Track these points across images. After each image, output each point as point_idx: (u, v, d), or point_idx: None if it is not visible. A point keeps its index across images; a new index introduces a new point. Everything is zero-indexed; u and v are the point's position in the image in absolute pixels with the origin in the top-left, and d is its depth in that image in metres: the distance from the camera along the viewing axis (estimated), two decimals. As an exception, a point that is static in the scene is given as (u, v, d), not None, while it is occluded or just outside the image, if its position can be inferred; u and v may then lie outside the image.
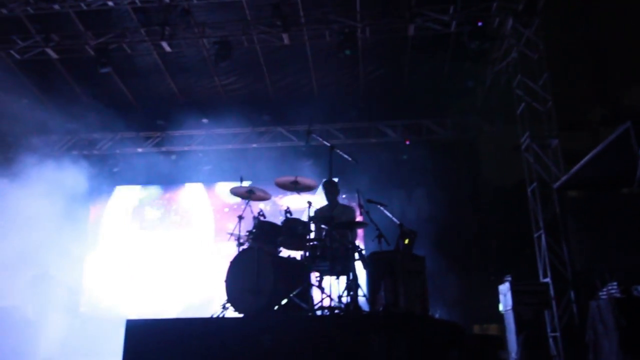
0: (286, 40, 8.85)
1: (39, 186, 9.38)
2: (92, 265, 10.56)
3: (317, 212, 5.85)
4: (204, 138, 11.12)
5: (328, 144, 5.30)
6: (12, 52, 9.37)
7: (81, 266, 9.27)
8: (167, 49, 9.17)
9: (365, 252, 5.56)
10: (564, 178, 6.73)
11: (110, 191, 10.61)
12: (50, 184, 9.59)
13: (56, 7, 8.49)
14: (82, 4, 8.44)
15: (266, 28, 8.82)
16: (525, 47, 8.34)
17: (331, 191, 6.01)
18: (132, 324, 4.78)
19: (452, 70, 9.83)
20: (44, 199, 9.50)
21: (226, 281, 5.31)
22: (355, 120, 10.59)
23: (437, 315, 6.74)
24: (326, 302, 5.21)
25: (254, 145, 10.90)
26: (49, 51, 9.31)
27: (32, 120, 9.85)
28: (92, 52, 9.19)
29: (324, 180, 6.01)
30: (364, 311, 5.15)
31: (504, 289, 7.30)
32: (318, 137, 5.63)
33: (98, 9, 8.62)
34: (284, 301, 4.94)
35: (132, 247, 10.77)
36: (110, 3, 8.49)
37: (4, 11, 8.58)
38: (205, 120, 10.88)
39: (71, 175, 10.04)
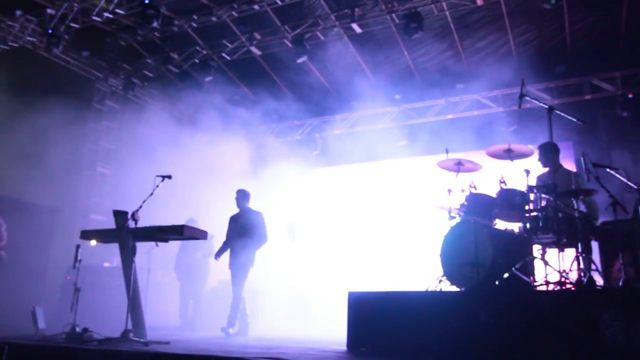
0: (479, 1, 8.33)
1: (248, 171, 10.42)
2: (302, 242, 11.41)
3: (539, 179, 5.42)
4: (397, 114, 11.12)
5: (546, 106, 4.83)
6: (223, 54, 10.48)
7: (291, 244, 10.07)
8: (358, 30, 9.34)
9: (597, 221, 5.00)
10: None
11: (312, 173, 11.25)
12: (258, 168, 10.58)
13: (256, 7, 9.20)
14: (278, 0, 8.99)
15: (456, -9, 8.42)
16: None
17: (549, 155, 5.50)
18: (354, 296, 5.03)
19: (684, 2, 8.23)
20: (254, 185, 10.53)
21: (441, 255, 5.25)
22: (564, 77, 9.50)
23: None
24: (552, 277, 4.82)
25: (449, 116, 10.55)
26: (253, 49, 10.19)
27: (241, 113, 10.89)
28: (289, 45, 9.81)
29: (541, 143, 5.52)
30: (599, 286, 4.64)
31: None
32: (533, 100, 5.16)
33: (291, 3, 9.11)
34: (505, 275, 4.70)
35: (336, 224, 11.31)
36: (301, -5, 8.94)
37: (214, 19, 9.59)
38: (397, 97, 10.87)
39: (279, 160, 10.93)
